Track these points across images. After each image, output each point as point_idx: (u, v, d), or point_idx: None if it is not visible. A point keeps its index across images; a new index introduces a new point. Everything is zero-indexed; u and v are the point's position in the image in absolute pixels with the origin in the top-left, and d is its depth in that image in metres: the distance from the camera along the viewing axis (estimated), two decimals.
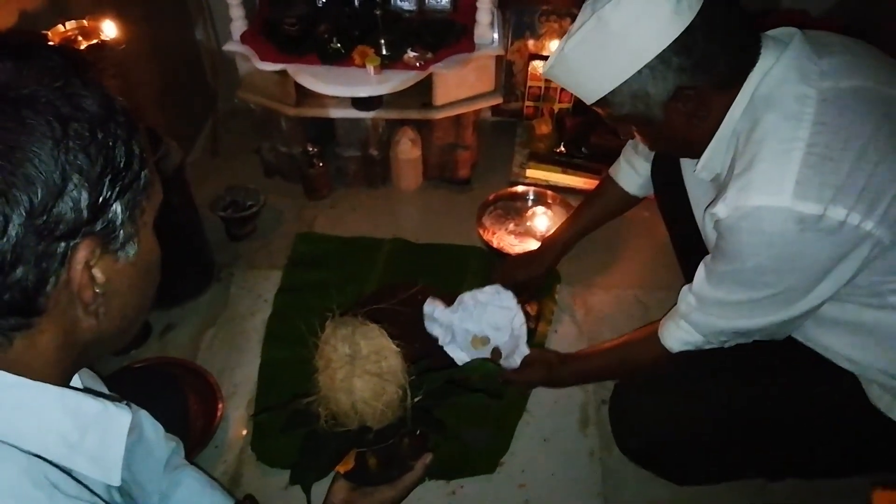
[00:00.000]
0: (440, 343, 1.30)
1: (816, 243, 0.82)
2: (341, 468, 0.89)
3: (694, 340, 1.04)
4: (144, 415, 0.91)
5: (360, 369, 0.81)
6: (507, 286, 1.38)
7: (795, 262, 0.85)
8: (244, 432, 1.38)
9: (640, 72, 0.87)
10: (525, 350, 1.28)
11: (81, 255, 0.49)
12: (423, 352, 0.96)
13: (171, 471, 0.95)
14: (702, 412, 1.09)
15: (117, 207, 0.50)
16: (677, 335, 1.06)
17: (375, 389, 0.82)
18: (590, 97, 0.96)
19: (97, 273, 0.51)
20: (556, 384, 1.32)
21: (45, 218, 0.45)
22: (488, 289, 1.35)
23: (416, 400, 0.87)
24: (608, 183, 1.46)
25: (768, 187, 0.81)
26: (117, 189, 0.50)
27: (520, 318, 1.31)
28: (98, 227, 0.49)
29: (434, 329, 1.32)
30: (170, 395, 1.13)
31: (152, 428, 0.92)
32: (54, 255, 0.47)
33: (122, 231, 0.52)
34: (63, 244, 0.47)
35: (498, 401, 1.33)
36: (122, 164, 0.50)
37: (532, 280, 1.51)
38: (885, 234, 0.81)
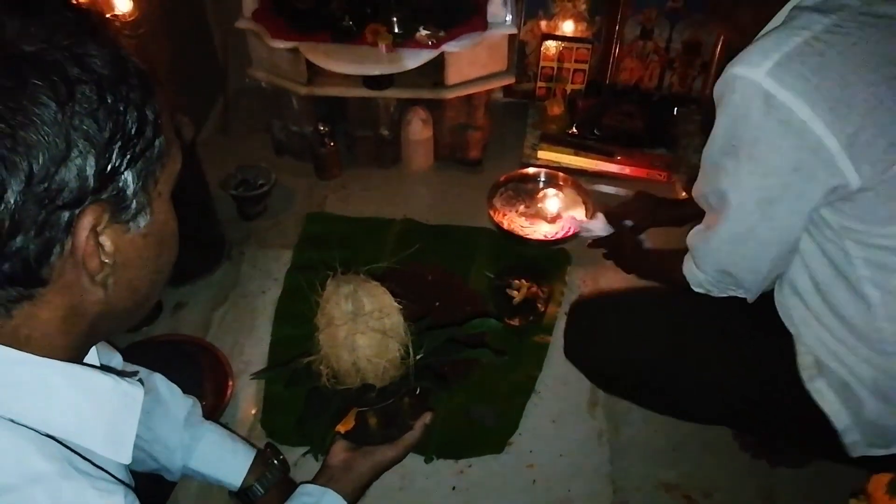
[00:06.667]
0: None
1: (776, 135, 0.80)
2: (342, 428, 0.89)
3: (698, 277, 1.03)
4: (159, 377, 0.94)
5: (363, 326, 0.80)
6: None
7: (754, 148, 0.83)
8: (253, 411, 1.39)
9: None
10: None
11: (87, 221, 0.45)
12: (424, 311, 0.96)
13: (191, 427, 0.97)
14: (645, 337, 1.12)
15: (128, 176, 0.47)
16: (688, 267, 1.06)
17: (378, 346, 0.81)
18: None
19: (105, 242, 0.48)
20: (632, 268, 1.33)
21: (46, 185, 0.43)
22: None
23: (418, 357, 0.86)
24: None
25: (752, 59, 0.80)
26: (128, 157, 0.47)
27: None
28: (106, 195, 0.46)
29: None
30: (185, 368, 1.15)
31: (167, 388, 0.95)
32: (58, 224, 0.44)
33: (133, 201, 0.49)
34: (67, 213, 0.44)
35: (503, 357, 1.32)
36: (133, 131, 0.47)
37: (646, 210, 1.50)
38: (849, 168, 0.78)
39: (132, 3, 1.39)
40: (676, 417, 1.25)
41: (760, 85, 0.78)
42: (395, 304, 0.83)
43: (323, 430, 0.92)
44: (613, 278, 1.67)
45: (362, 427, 0.91)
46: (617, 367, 1.16)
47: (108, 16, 1.33)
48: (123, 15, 1.37)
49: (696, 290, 1.05)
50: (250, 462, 1.01)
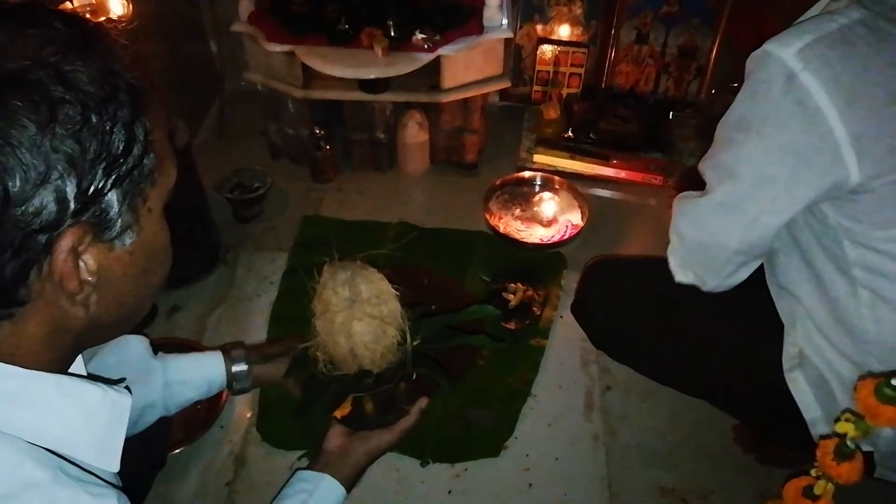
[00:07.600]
0: None
1: (788, 115, 0.80)
2: (338, 413, 0.90)
3: (672, 249, 1.04)
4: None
5: (361, 312, 0.80)
6: None
7: (764, 125, 0.84)
8: (249, 414, 1.39)
9: None
10: None
11: (66, 243, 0.44)
12: (421, 299, 0.98)
13: (154, 356, 1.02)
14: (645, 303, 1.16)
15: (112, 196, 0.46)
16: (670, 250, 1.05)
17: (376, 332, 0.82)
18: None
19: (88, 261, 0.47)
20: None
21: (23, 209, 0.41)
22: None
23: (415, 343, 0.87)
24: None
25: (786, 38, 0.80)
26: (113, 177, 0.45)
27: None
28: (87, 216, 0.45)
29: None
30: None
31: (116, 345, 0.96)
32: (35, 246, 0.43)
33: (118, 220, 0.47)
34: (45, 235, 0.43)
35: (501, 343, 1.31)
36: (119, 150, 0.45)
37: None
38: (853, 161, 0.78)
39: (127, 5, 1.39)
40: (662, 384, 1.27)
41: (787, 63, 0.79)
42: (393, 290, 0.83)
43: (320, 415, 0.92)
44: None
45: (359, 412, 0.91)
46: (613, 325, 1.21)
47: (102, 19, 1.32)
48: (118, 18, 1.37)
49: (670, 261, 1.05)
50: (221, 357, 1.06)
